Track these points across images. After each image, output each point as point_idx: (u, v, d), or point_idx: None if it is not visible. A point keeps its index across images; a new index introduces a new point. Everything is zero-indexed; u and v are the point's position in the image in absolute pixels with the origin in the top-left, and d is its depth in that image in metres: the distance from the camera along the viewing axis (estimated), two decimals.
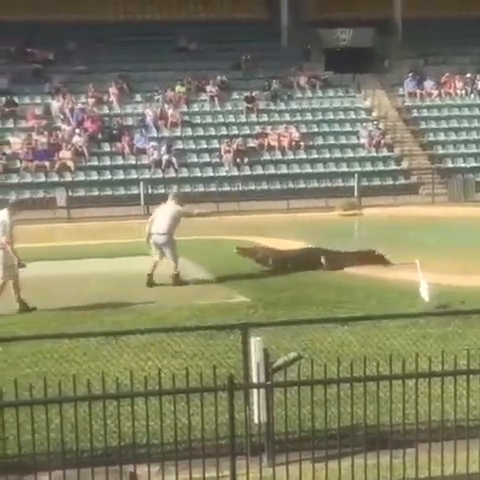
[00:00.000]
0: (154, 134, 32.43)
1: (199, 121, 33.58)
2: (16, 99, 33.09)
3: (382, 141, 33.13)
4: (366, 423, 6.09)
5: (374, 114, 34.74)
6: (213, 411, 5.80)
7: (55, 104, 33.04)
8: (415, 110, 35.33)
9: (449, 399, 6.13)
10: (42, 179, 30.33)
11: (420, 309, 10.85)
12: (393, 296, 12.09)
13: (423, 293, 11.43)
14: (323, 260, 14.76)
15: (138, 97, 34.34)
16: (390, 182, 31.44)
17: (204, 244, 18.77)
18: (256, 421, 6.52)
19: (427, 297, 11.37)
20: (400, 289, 12.40)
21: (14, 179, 30.19)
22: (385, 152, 33.00)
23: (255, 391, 6.41)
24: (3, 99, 32.81)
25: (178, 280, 14.03)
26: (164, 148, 31.41)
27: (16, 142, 31.13)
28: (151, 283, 13.93)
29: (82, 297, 12.71)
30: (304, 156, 32.40)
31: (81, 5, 38.46)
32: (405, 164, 32.70)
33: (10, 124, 32.27)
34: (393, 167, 32.51)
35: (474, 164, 32.48)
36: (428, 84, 35.85)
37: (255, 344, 6.55)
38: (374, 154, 32.80)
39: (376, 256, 15.31)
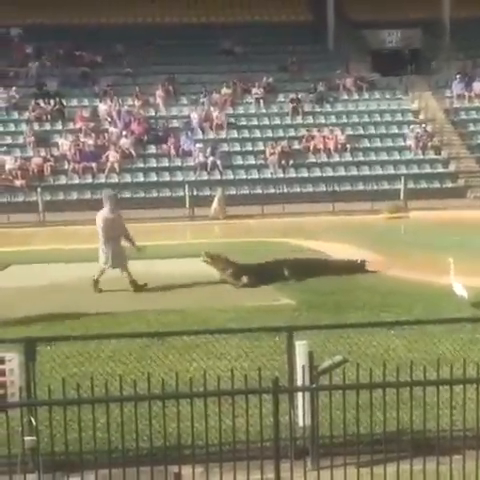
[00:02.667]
0: (199, 136, 32.59)
1: (244, 123, 33.63)
2: (64, 101, 33.59)
3: (429, 143, 32.76)
4: (412, 428, 6.03)
5: (421, 116, 34.37)
6: (257, 413, 5.80)
7: (102, 106, 33.43)
8: (463, 112, 34.86)
9: None
10: (89, 180, 30.71)
11: (468, 313, 10.72)
12: (439, 300, 11.95)
13: (458, 291, 11.43)
14: (286, 272, 14.08)
15: (184, 99, 34.55)
16: (437, 185, 31.07)
17: (249, 246, 18.78)
18: (300, 424, 6.50)
19: (465, 295, 11.34)
20: (447, 293, 12.24)
21: (62, 180, 30.64)
22: (432, 155, 32.62)
23: (300, 394, 6.39)
24: (52, 101, 33.32)
25: (96, 286, 13.91)
26: (209, 150, 31.54)
27: (64, 144, 31.59)
28: (138, 287, 13.85)
29: (128, 298, 12.84)
30: (350, 158, 32.21)
31: (129, 8, 38.90)
32: (452, 167, 32.27)
33: (59, 126, 32.74)
34: (440, 170, 32.12)
35: None
36: (477, 86, 35.32)
37: (300, 347, 6.53)
38: (421, 157, 32.45)
39: (356, 265, 14.82)
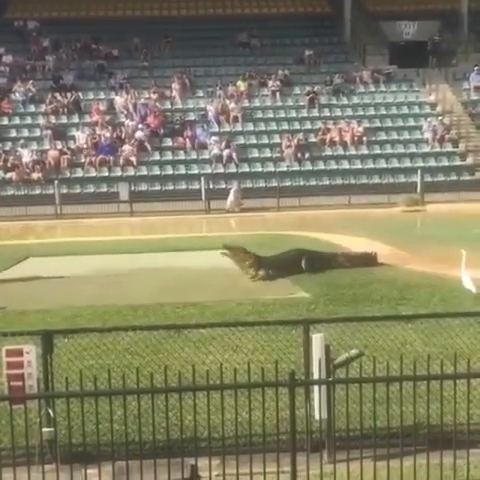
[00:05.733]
0: (215, 129, 32.58)
1: (260, 116, 33.59)
2: (81, 94, 33.69)
3: (446, 136, 32.57)
4: (429, 422, 6.01)
5: (438, 109, 34.18)
6: (274, 406, 5.81)
7: (119, 99, 33.49)
8: None
9: None
10: (106, 173, 30.80)
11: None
12: (457, 294, 11.90)
13: (467, 285, 11.42)
14: (303, 262, 14.17)
15: (200, 92, 34.55)
16: (454, 178, 30.90)
17: (265, 239, 18.79)
18: (317, 417, 6.51)
19: (473, 288, 11.34)
20: (464, 287, 12.18)
21: (78, 173, 30.76)
22: (449, 147, 32.43)
23: (316, 387, 6.39)
24: (69, 94, 33.43)
25: None
26: (225, 143, 31.52)
27: (81, 137, 31.68)
28: None
29: (145, 291, 12.87)
30: (366, 151, 32.09)
31: (145, 1, 38.95)
32: (470, 160, 32.07)
33: (75, 119, 32.84)
34: (457, 163, 31.94)
35: None
36: None
37: (317, 340, 6.53)
38: (438, 149, 32.27)
39: (369, 257, 14.86)
